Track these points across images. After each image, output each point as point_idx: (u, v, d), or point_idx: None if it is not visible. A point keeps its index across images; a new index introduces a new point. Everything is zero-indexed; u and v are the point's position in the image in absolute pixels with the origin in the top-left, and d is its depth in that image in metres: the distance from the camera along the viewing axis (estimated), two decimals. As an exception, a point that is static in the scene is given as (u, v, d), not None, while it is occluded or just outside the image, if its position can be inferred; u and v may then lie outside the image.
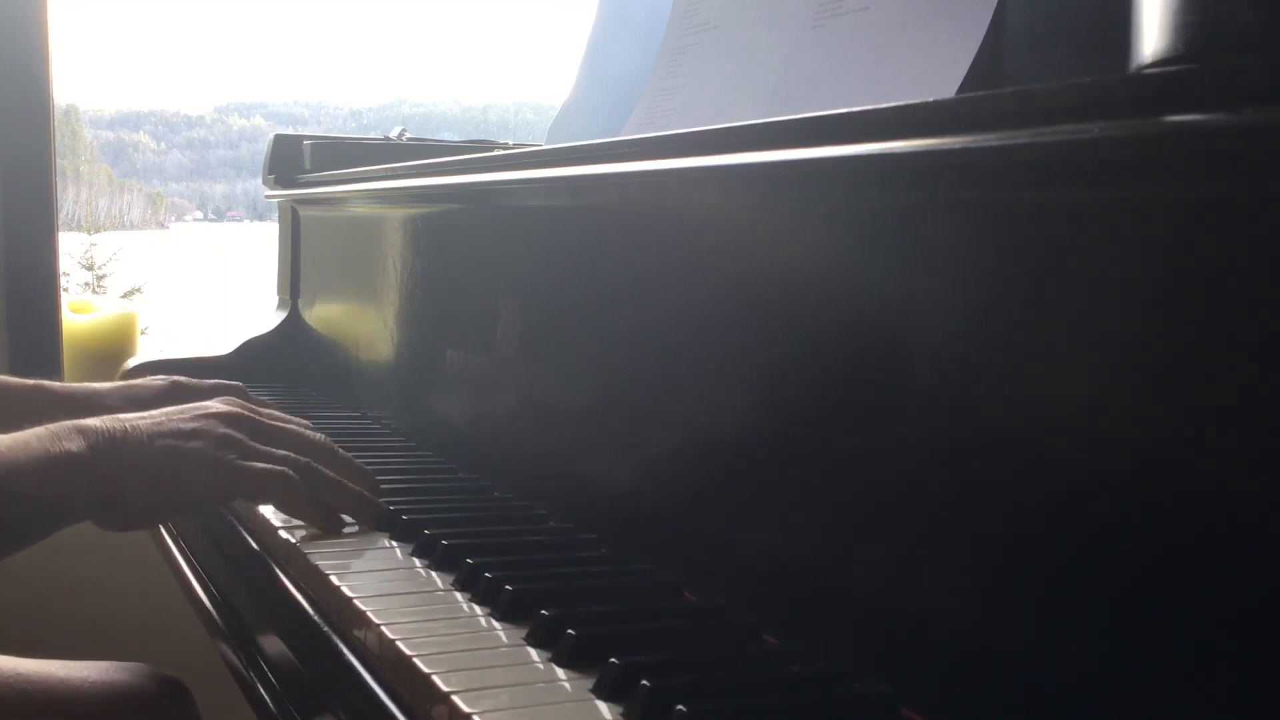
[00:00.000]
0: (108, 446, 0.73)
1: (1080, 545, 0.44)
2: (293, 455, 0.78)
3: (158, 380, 0.95)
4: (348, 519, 0.79)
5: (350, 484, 0.79)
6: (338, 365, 1.32)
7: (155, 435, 0.75)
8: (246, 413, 0.80)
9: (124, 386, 0.95)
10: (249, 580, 0.83)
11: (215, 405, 0.80)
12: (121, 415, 0.77)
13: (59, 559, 0.71)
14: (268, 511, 0.82)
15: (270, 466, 0.76)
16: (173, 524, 1.02)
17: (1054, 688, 0.45)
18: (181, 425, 0.76)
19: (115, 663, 0.91)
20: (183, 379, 0.95)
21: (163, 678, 0.92)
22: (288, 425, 0.82)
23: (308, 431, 0.82)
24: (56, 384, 0.94)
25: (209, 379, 0.96)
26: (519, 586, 0.62)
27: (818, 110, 0.56)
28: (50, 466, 0.70)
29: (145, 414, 0.78)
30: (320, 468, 0.78)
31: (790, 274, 0.62)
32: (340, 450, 0.83)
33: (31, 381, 0.94)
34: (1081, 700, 0.44)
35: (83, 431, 0.73)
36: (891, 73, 0.73)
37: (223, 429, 0.77)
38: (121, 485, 0.73)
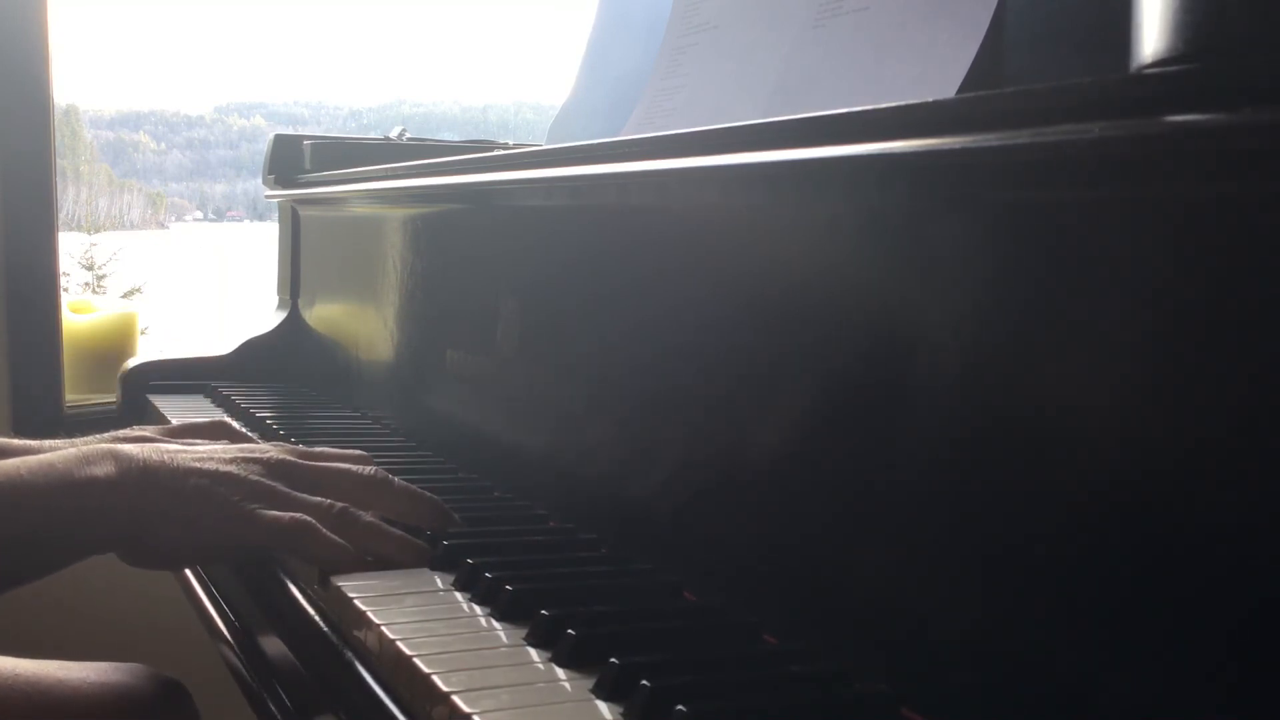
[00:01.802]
0: (139, 477, 0.68)
1: (1081, 546, 0.44)
2: (327, 502, 0.71)
3: (133, 433, 0.85)
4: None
5: (388, 527, 0.71)
6: (338, 365, 1.32)
7: (190, 473, 0.69)
8: (294, 459, 0.74)
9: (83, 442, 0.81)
10: (248, 580, 0.83)
11: (268, 450, 0.75)
12: (163, 445, 0.73)
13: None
14: None
15: (282, 515, 0.69)
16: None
17: (1054, 688, 0.45)
18: (219, 466, 0.71)
19: (114, 663, 0.91)
20: (149, 431, 0.85)
21: (162, 678, 0.91)
22: (333, 466, 0.75)
23: (354, 468, 0.76)
24: (15, 441, 0.83)
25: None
26: (519, 586, 0.62)
27: (818, 110, 0.56)
28: (72, 492, 0.67)
29: (190, 449, 0.73)
30: (357, 514, 0.71)
31: (790, 274, 0.62)
32: (396, 483, 0.76)
33: None
34: (1081, 700, 0.44)
35: (116, 458, 0.69)
36: (891, 73, 0.73)
37: (258, 476, 0.71)
38: (145, 521, 0.68)
